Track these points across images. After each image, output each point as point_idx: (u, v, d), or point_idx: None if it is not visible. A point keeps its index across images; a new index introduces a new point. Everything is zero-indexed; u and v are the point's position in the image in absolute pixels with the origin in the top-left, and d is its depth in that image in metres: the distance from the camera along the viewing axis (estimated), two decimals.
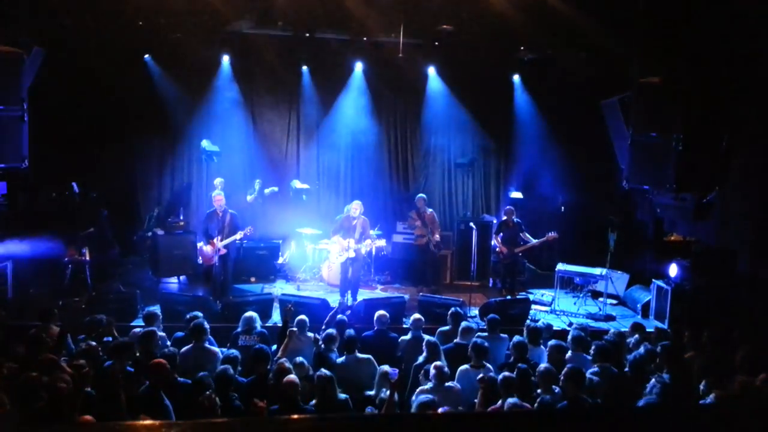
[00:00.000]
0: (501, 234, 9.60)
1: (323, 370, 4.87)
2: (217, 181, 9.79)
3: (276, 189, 10.94)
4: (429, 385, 5.03)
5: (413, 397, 5.00)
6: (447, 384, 5.04)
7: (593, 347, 5.71)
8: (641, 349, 5.77)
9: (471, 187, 12.07)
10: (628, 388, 5.19)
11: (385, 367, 5.36)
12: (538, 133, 11.64)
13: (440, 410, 4.41)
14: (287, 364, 5.18)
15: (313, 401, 4.81)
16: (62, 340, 5.59)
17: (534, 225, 10.25)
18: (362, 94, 11.42)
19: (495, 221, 11.07)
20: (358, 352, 5.85)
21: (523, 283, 10.21)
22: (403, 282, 10.42)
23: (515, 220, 9.55)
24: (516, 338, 5.95)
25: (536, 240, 9.41)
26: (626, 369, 5.52)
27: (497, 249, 9.82)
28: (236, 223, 8.58)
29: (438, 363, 5.17)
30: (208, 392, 4.32)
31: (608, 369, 5.44)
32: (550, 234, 9.26)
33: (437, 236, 9.68)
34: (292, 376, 4.76)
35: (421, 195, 10.14)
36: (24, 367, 4.91)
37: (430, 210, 9.98)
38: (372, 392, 5.49)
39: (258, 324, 6.35)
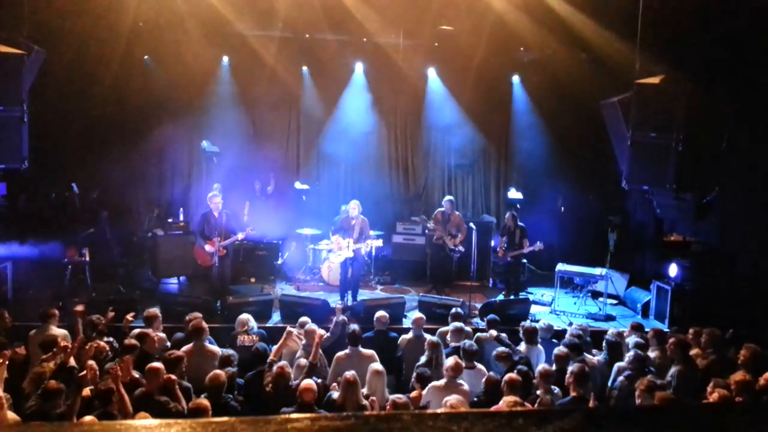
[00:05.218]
0: (504, 237, 9.56)
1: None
2: (216, 186, 9.80)
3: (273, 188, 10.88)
4: (443, 381, 5.03)
5: (424, 392, 5.00)
6: (458, 380, 5.04)
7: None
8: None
9: (471, 188, 12.06)
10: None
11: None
12: (537, 133, 11.63)
13: (440, 410, 4.40)
14: (288, 369, 5.13)
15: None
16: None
17: (533, 225, 10.22)
18: (362, 95, 11.39)
19: (495, 221, 11.06)
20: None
21: (523, 283, 10.18)
22: (403, 282, 10.40)
23: (518, 224, 9.50)
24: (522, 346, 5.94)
25: (526, 249, 9.35)
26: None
27: (496, 250, 9.80)
28: (232, 225, 8.59)
29: (456, 357, 5.16)
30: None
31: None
32: (537, 244, 9.19)
33: (458, 240, 9.50)
34: (309, 381, 4.68)
35: (449, 198, 9.99)
36: (23, 367, 4.91)
37: (458, 213, 9.92)
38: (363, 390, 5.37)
39: (253, 324, 6.37)
